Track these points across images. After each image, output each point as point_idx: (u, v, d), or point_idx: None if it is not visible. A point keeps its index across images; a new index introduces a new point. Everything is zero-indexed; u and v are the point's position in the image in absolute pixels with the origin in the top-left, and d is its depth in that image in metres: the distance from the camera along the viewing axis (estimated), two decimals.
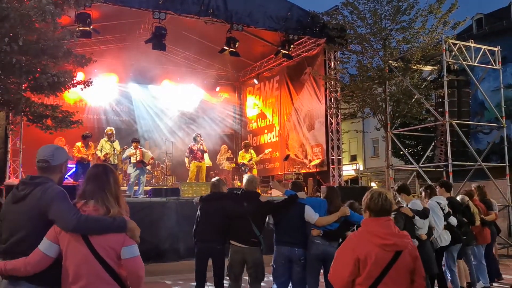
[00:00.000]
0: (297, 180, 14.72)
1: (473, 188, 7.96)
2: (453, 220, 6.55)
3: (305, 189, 14.68)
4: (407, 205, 5.98)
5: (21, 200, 2.71)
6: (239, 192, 5.98)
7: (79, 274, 2.53)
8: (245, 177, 6.04)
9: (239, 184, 15.59)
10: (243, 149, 14.70)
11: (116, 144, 12.38)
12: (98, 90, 16.01)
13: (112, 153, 12.16)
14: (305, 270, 5.34)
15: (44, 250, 2.58)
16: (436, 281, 6.25)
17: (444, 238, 6.30)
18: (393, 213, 5.52)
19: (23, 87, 9.88)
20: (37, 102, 10.12)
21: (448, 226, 6.41)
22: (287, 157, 16.16)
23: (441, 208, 6.33)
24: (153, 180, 15.60)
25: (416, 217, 5.67)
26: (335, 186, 6.08)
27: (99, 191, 2.66)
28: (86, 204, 2.64)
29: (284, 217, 5.46)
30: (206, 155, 13.91)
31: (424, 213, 5.82)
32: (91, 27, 12.44)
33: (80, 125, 11.13)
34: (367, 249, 2.78)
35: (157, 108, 17.89)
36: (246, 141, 16.08)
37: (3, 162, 11.70)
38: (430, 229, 6.01)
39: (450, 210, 6.55)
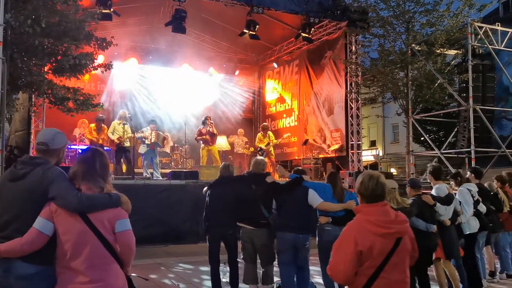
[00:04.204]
0: (316, 165, 14.74)
1: (504, 174, 7.64)
2: (482, 207, 6.47)
3: (324, 174, 14.65)
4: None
5: (20, 179, 2.76)
6: (247, 175, 5.97)
7: (77, 250, 2.60)
8: (253, 160, 6.02)
9: None
10: (261, 132, 14.51)
11: (127, 128, 12.28)
12: (117, 73, 16.13)
13: (125, 136, 12.15)
14: (308, 253, 5.30)
15: (39, 228, 2.64)
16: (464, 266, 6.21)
17: (472, 225, 6.22)
18: (411, 198, 5.50)
19: (45, 69, 10.00)
20: (59, 85, 10.23)
21: (476, 213, 6.32)
22: (305, 142, 16.07)
23: (472, 195, 6.24)
24: (172, 163, 15.74)
25: (438, 204, 5.59)
26: (335, 171, 6.06)
27: (88, 173, 2.78)
28: (80, 185, 2.75)
29: (287, 201, 5.38)
30: (223, 139, 13.82)
31: (447, 200, 5.73)
32: (112, 9, 12.47)
33: (101, 108, 11.25)
34: (370, 240, 2.63)
35: (176, 91, 17.88)
36: (265, 123, 15.87)
37: (26, 144, 11.92)
38: (455, 214, 5.93)
39: (480, 198, 6.46)
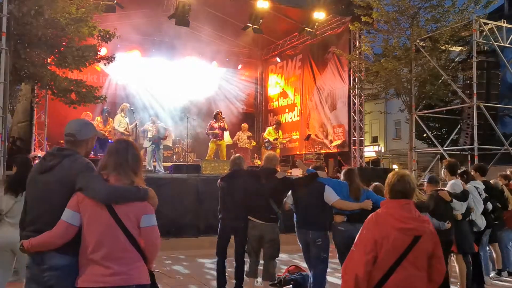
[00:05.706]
0: (318, 161, 14.72)
1: (509, 172, 7.65)
2: (489, 205, 6.48)
3: (326, 169, 14.62)
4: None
5: (49, 171, 2.75)
6: (258, 169, 5.97)
7: (100, 242, 2.57)
8: (265, 155, 6.04)
9: (259, 162, 15.58)
10: (274, 126, 14.80)
11: (127, 120, 12.65)
12: (120, 65, 16.10)
13: (130, 128, 12.44)
14: (323, 251, 5.23)
15: (68, 220, 2.62)
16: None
17: (479, 223, 6.21)
18: (428, 193, 5.50)
19: (48, 61, 9.98)
20: (61, 76, 10.21)
21: (483, 211, 6.31)
22: (308, 137, 16.04)
23: (479, 193, 6.23)
24: (174, 157, 15.73)
25: (454, 200, 5.58)
26: (353, 167, 6.03)
27: (119, 165, 2.73)
28: (109, 176, 2.70)
29: (302, 197, 5.36)
30: (226, 133, 13.93)
31: (463, 196, 5.73)
32: (115, 1, 12.43)
33: (104, 100, 11.25)
34: (385, 231, 2.72)
35: (178, 84, 17.83)
36: (279, 119, 16.17)
37: (29, 135, 11.92)
38: (468, 210, 5.92)
39: (487, 195, 6.46)
